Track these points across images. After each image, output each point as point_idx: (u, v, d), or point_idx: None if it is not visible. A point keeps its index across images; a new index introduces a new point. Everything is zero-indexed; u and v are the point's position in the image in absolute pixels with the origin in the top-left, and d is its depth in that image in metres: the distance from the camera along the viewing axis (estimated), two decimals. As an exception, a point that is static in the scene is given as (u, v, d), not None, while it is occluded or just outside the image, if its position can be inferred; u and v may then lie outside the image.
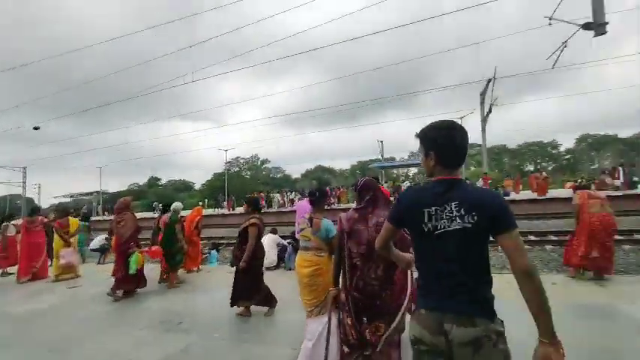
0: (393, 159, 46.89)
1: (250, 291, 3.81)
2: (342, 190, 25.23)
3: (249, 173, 60.99)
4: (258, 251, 3.88)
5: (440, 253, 1.28)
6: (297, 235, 3.08)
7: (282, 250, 6.47)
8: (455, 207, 1.25)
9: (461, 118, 25.13)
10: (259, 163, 63.11)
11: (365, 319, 1.95)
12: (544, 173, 20.84)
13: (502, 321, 1.24)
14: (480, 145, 24.06)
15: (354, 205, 2.20)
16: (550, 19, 7.59)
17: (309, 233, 2.66)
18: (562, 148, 50.97)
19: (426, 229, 1.29)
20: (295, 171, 66.78)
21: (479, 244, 1.27)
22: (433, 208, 1.28)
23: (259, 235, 3.85)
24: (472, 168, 39.96)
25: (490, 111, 21.34)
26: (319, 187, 3.65)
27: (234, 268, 3.88)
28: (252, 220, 3.77)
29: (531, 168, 45.54)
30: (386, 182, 26.12)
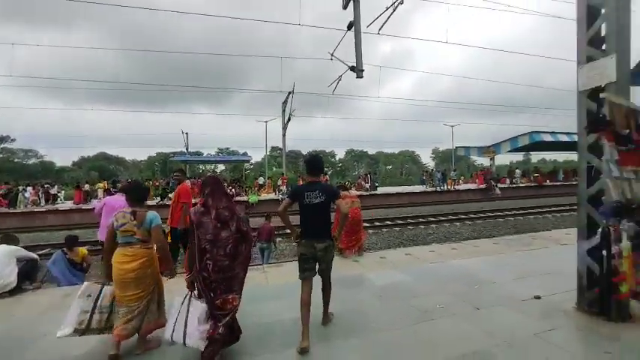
0: (199, 153, 44.61)
1: None
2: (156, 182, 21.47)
3: (-30, 154, 40.20)
4: None
5: (311, 213, 2.87)
6: (116, 231, 2.71)
7: (28, 266, 4.59)
8: (317, 192, 2.86)
9: (266, 122, 27.35)
10: (-6, 141, 43.02)
11: (212, 294, 2.43)
12: (327, 176, 26.13)
13: (333, 241, 2.98)
14: (281, 149, 27.07)
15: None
16: (332, 55, 9.49)
17: (133, 227, 2.68)
18: (337, 158, 65.92)
19: (305, 202, 2.87)
20: (63, 158, 50.35)
21: (326, 209, 2.91)
22: (309, 192, 2.87)
23: None
24: (274, 168, 44.40)
25: (289, 120, 24.44)
26: (135, 181, 3.67)
27: None
28: None
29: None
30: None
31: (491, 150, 28.87)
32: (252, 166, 51.96)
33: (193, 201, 4.43)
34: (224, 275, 2.44)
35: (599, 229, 3.02)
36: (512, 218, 13.17)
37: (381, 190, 24.49)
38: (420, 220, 12.76)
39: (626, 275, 2.78)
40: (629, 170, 2.87)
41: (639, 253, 2.91)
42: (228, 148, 53.53)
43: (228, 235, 2.48)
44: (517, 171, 28.89)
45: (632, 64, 3.10)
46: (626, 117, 2.90)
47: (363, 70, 8.64)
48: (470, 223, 12.30)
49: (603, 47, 3.13)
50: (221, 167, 47.00)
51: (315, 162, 3.05)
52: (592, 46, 3.23)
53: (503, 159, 39.64)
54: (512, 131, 27.55)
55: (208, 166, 44.69)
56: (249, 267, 2.77)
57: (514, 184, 26.53)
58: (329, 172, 57.24)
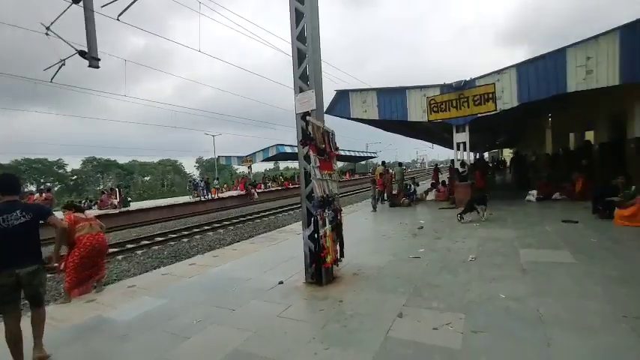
0: None
1: None
2: None
3: None
4: None
5: (12, 237, 2.70)
6: None
7: None
8: (19, 212, 2.76)
9: None
10: None
11: None
12: (50, 193, 19.04)
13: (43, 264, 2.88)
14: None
15: None
16: (48, 29, 7.06)
17: None
18: (69, 169, 50.44)
19: (2, 227, 2.68)
20: None
21: (33, 230, 2.84)
22: (5, 215, 2.71)
23: None
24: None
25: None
26: None
27: None
28: None
29: (33, 188, 39.85)
30: None
31: (248, 159, 32.46)
32: None
33: None
34: None
35: (313, 218, 4.01)
36: (266, 218, 15.31)
37: (135, 205, 21.10)
38: (184, 233, 12.10)
39: (328, 249, 3.85)
40: (326, 174, 4.02)
41: (336, 232, 4.15)
42: None
43: None
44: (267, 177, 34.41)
45: (328, 96, 4.37)
46: (322, 135, 4.04)
47: (99, 59, 7.02)
48: (232, 228, 13.07)
49: (308, 82, 4.22)
50: None
51: (8, 180, 2.96)
52: (302, 80, 4.27)
53: (259, 167, 45.79)
54: (264, 143, 32.43)
55: None
56: None
57: (267, 188, 31.20)
58: (56, 188, 42.86)
